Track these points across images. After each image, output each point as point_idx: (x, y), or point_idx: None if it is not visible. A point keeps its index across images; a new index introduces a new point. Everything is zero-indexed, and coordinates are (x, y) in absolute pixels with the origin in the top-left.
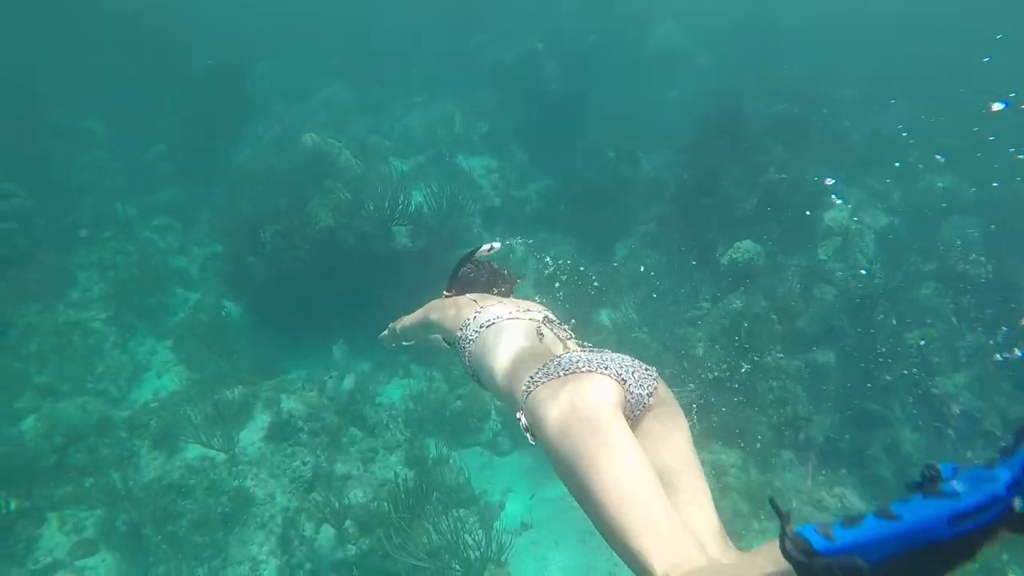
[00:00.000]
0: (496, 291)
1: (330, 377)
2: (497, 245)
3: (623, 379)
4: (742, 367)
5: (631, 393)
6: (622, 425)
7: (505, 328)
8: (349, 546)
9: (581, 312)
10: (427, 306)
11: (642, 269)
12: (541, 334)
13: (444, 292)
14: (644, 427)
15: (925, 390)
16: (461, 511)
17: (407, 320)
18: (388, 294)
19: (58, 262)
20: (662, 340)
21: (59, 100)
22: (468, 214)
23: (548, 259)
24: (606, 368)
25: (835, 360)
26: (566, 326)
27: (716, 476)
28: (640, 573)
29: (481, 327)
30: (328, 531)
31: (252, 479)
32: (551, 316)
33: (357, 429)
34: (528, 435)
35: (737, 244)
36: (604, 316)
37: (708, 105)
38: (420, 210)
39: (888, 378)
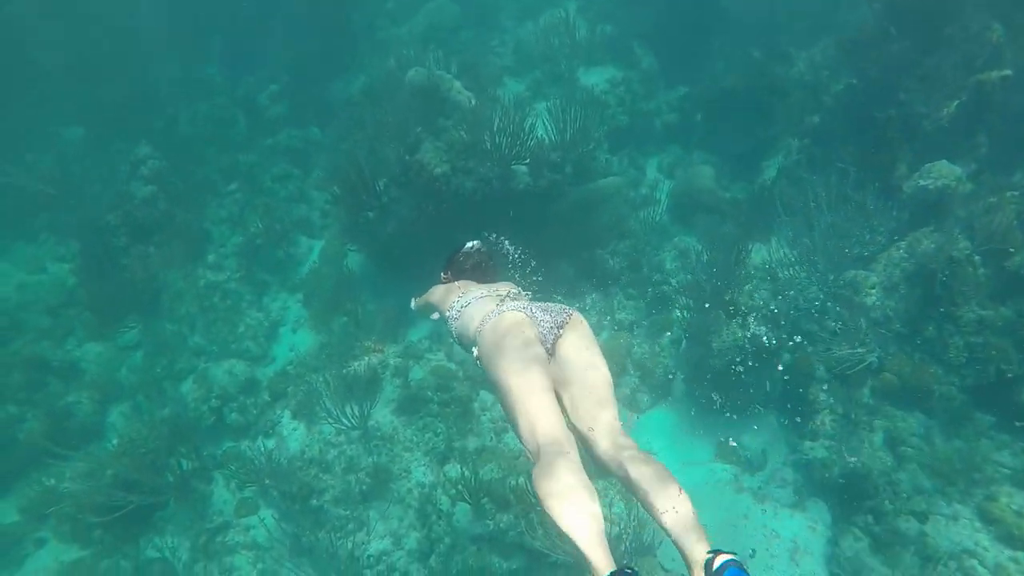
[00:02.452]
0: (482, 276)
1: None
2: (478, 243)
3: (533, 314)
4: (927, 326)
5: (538, 322)
6: (521, 345)
7: (476, 303)
8: (487, 522)
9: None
10: (429, 292)
11: (796, 194)
12: (499, 300)
13: (441, 275)
14: (558, 350)
15: None
16: (600, 482)
17: (419, 300)
18: (510, 239)
19: (194, 221)
20: (822, 283)
21: (174, 49)
22: (593, 140)
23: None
24: (520, 308)
25: None
26: (526, 295)
27: (891, 446)
28: (526, 447)
29: (462, 307)
30: (465, 505)
31: (387, 454)
32: (513, 291)
33: (488, 393)
34: (478, 362)
35: (928, 166)
36: (755, 252)
37: None
38: (541, 142)
39: None
